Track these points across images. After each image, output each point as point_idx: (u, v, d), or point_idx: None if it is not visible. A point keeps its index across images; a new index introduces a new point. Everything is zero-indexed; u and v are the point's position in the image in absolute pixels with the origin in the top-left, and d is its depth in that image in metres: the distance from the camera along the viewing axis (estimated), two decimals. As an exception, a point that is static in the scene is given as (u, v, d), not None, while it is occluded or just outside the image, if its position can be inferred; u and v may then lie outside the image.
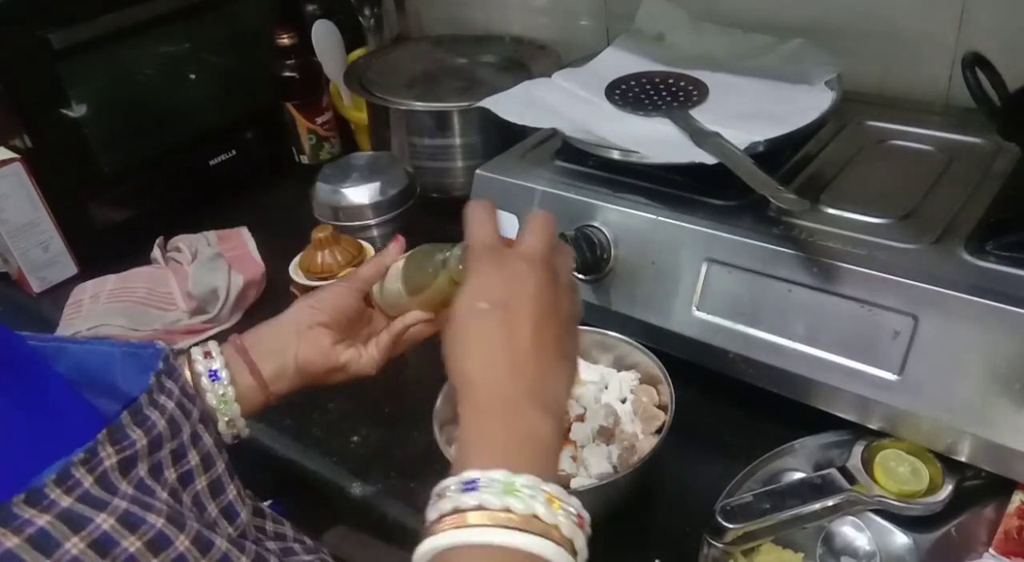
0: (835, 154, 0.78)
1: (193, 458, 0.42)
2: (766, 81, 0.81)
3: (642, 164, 0.74)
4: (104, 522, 0.35)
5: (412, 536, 0.69)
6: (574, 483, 0.62)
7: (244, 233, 1.05)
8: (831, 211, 0.69)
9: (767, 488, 0.61)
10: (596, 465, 0.63)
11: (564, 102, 0.83)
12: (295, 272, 0.83)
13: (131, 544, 0.35)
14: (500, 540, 0.37)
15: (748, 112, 0.77)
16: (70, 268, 1.02)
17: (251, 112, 1.16)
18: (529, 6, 1.17)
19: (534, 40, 1.14)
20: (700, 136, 0.72)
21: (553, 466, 0.42)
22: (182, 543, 0.37)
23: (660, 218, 0.71)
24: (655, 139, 0.74)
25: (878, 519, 0.60)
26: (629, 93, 0.83)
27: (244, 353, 0.59)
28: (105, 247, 1.03)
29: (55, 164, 0.97)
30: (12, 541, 0.32)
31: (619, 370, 0.71)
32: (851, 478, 0.60)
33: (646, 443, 0.64)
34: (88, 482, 0.35)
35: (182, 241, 1.01)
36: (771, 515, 0.58)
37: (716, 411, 0.71)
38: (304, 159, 1.16)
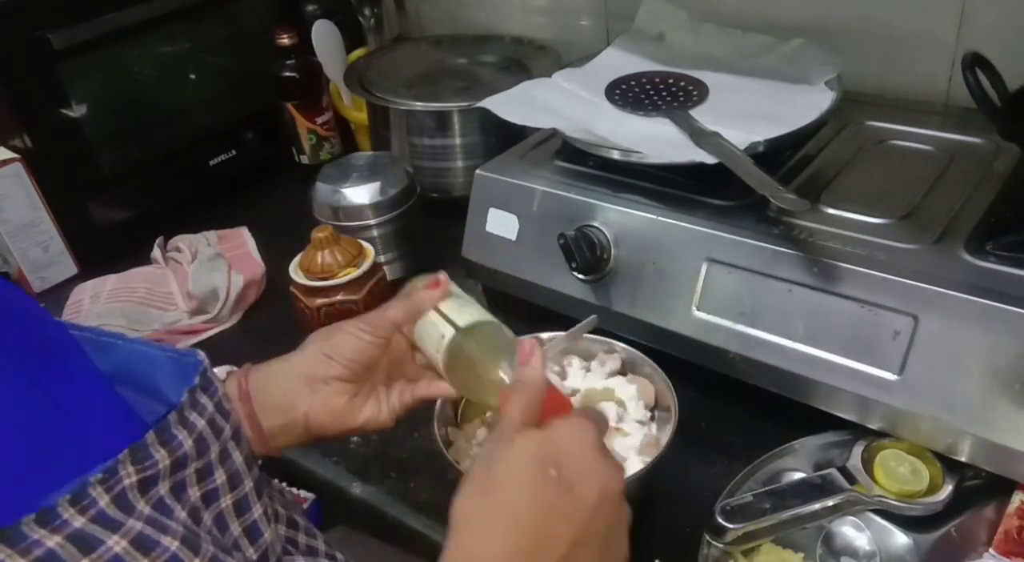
0: (835, 154, 0.78)
1: (220, 476, 0.41)
2: (766, 81, 0.81)
3: (642, 164, 0.74)
4: (116, 545, 0.33)
5: (412, 536, 0.69)
6: None
7: (244, 233, 1.05)
8: (831, 211, 0.69)
9: (767, 488, 0.61)
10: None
11: (564, 102, 0.83)
12: (295, 272, 0.83)
13: None
14: None
15: (748, 112, 0.77)
16: (70, 268, 1.02)
17: (251, 112, 1.16)
18: (529, 6, 1.17)
19: (534, 40, 1.14)
20: (700, 136, 0.72)
21: None
22: None
23: (660, 218, 0.71)
24: (655, 139, 0.74)
25: (878, 519, 0.60)
26: (629, 93, 0.83)
27: (247, 400, 0.55)
28: (105, 247, 1.03)
29: (55, 164, 0.98)
30: None
31: (620, 373, 0.71)
32: (851, 478, 0.60)
33: (646, 450, 0.64)
34: (104, 501, 0.34)
35: (182, 241, 1.01)
36: (771, 515, 0.58)
37: (716, 411, 0.72)
38: (304, 159, 1.16)
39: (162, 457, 0.37)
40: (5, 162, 0.93)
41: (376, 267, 0.84)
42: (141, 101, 1.06)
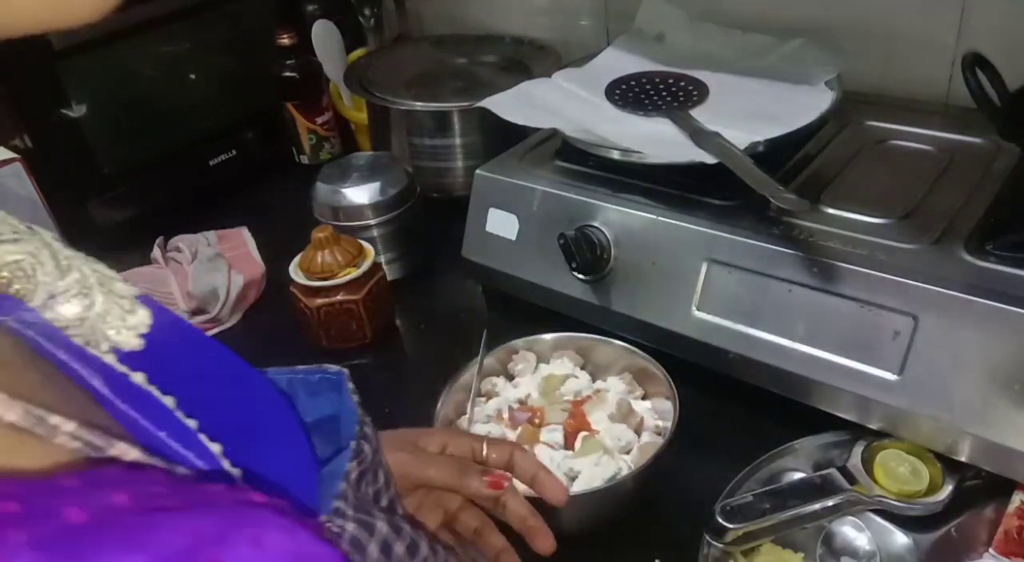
0: (835, 154, 0.78)
1: (381, 476, 0.42)
2: (766, 81, 0.82)
3: (642, 164, 0.74)
4: (382, 527, 0.36)
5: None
6: (579, 485, 0.62)
7: (244, 233, 1.05)
8: (831, 211, 0.69)
9: (767, 488, 0.61)
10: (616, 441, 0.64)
11: (564, 102, 0.83)
12: (295, 272, 0.83)
13: (397, 546, 0.36)
14: None
15: (748, 112, 0.77)
16: (70, 268, 1.02)
17: (251, 112, 1.16)
18: (529, 6, 1.17)
19: (534, 40, 1.14)
20: (700, 136, 0.72)
21: None
22: (399, 547, 0.37)
23: (660, 218, 0.71)
24: (655, 139, 0.74)
25: (878, 519, 0.60)
26: (629, 93, 0.83)
27: None
28: (105, 247, 1.03)
29: (55, 164, 0.97)
30: (344, 540, 0.33)
31: (635, 385, 0.71)
32: (851, 478, 0.60)
33: (649, 446, 0.64)
34: (350, 496, 0.36)
35: (182, 241, 1.01)
36: (771, 515, 0.58)
37: (716, 411, 0.71)
38: (304, 159, 1.16)
39: (367, 450, 0.39)
40: (5, 162, 0.93)
41: (376, 267, 0.84)
42: (141, 101, 1.06)
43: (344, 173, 0.91)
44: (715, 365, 0.69)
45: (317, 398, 0.41)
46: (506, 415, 0.68)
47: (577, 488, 0.61)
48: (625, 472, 0.62)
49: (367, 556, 0.34)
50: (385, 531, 0.36)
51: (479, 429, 0.67)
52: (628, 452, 0.65)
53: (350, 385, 0.42)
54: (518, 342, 0.73)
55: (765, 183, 0.64)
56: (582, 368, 0.72)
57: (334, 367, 0.42)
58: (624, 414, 0.66)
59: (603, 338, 0.72)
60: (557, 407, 0.68)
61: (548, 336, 0.73)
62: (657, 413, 0.68)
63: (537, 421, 0.67)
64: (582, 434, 0.65)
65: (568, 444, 0.65)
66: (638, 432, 0.66)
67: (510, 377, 0.72)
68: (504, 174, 0.81)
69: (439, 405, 0.67)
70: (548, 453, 0.64)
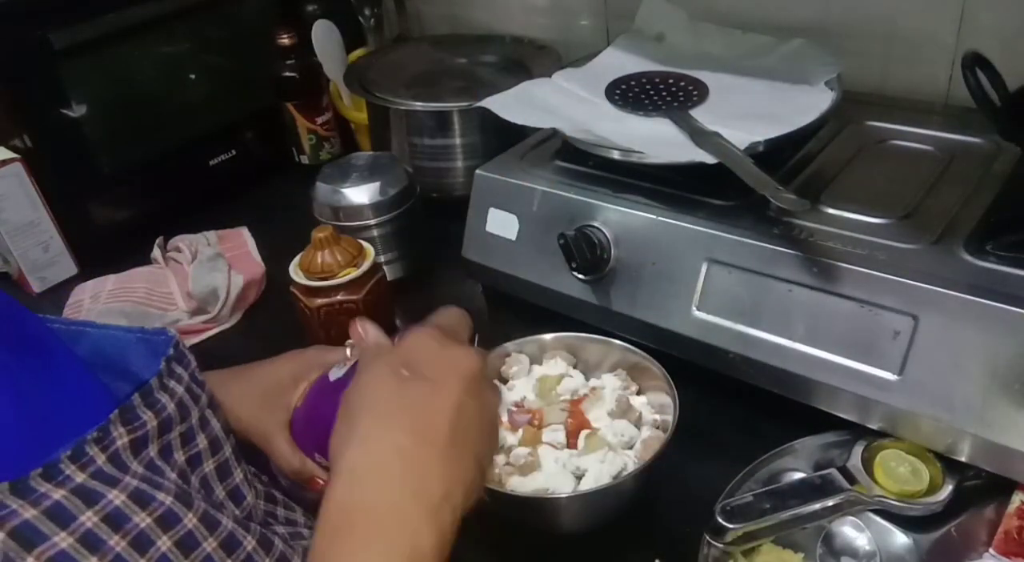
0: (835, 154, 0.78)
1: (201, 442, 0.43)
2: (766, 81, 0.81)
3: (642, 164, 0.73)
4: (116, 498, 0.36)
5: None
6: (587, 482, 0.62)
7: (244, 233, 1.05)
8: (831, 211, 0.69)
9: (767, 488, 0.61)
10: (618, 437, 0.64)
11: (564, 102, 0.83)
12: (295, 272, 0.82)
13: (142, 520, 0.37)
14: None
15: (748, 112, 0.77)
16: (70, 268, 1.02)
17: (251, 112, 1.16)
18: (529, 6, 1.17)
19: (534, 40, 1.14)
20: (700, 136, 0.72)
21: None
22: (190, 520, 0.39)
23: (660, 218, 0.71)
24: (655, 139, 0.74)
25: (878, 519, 0.60)
26: (629, 93, 0.83)
27: None
28: (105, 247, 1.03)
29: (55, 164, 0.98)
30: (30, 512, 0.34)
31: (630, 381, 0.71)
32: (851, 478, 0.60)
33: (652, 440, 0.65)
34: (101, 460, 0.37)
35: (182, 241, 1.01)
36: (771, 515, 0.58)
37: (716, 411, 0.71)
38: (304, 159, 1.16)
39: (149, 418, 0.40)
40: (5, 162, 0.93)
41: (376, 267, 0.84)
42: (141, 101, 1.06)
43: (344, 173, 0.91)
44: (715, 365, 0.69)
45: (157, 359, 0.42)
46: (505, 418, 0.68)
47: (586, 486, 0.61)
48: (631, 467, 0.62)
49: (70, 524, 0.34)
50: (118, 502, 0.36)
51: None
52: (630, 447, 0.65)
53: (171, 351, 0.43)
54: (509, 345, 0.72)
55: (765, 183, 0.64)
56: (574, 367, 0.72)
57: (169, 332, 0.44)
58: (623, 410, 0.66)
59: (593, 336, 0.72)
60: (555, 407, 0.68)
61: (539, 337, 0.73)
62: (654, 407, 0.68)
63: (537, 422, 0.67)
64: (584, 432, 0.65)
65: (570, 443, 0.65)
66: (637, 427, 0.66)
67: (504, 380, 0.72)
68: (504, 174, 0.81)
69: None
70: (553, 453, 0.64)
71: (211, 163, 1.13)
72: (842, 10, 0.90)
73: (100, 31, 0.96)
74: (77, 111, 0.98)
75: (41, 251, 0.99)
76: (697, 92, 0.81)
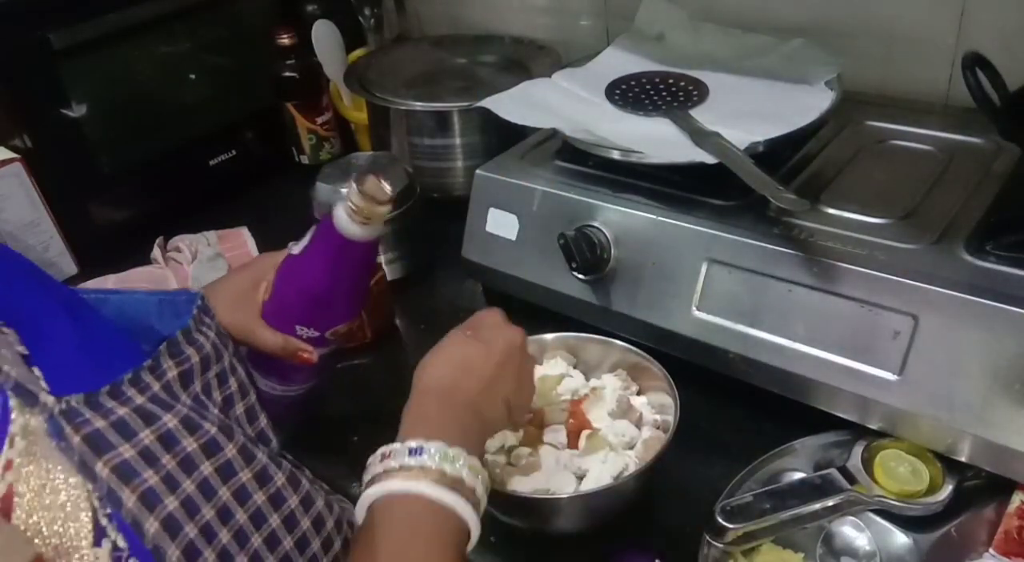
0: (835, 154, 0.78)
1: (233, 384, 0.48)
2: (766, 81, 0.82)
3: (642, 164, 0.74)
4: (169, 421, 0.41)
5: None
6: (588, 482, 0.62)
7: (244, 233, 1.05)
8: (831, 211, 0.69)
9: (767, 488, 0.61)
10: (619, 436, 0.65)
11: (564, 102, 0.83)
12: (295, 272, 0.82)
13: (189, 444, 0.41)
14: (432, 493, 0.45)
15: (748, 112, 0.77)
16: (70, 268, 1.02)
17: (251, 112, 1.16)
18: (529, 6, 1.17)
19: (534, 40, 1.14)
20: (700, 136, 0.72)
21: (477, 445, 0.51)
22: (230, 450, 0.43)
23: (660, 218, 0.71)
24: (655, 139, 0.74)
25: (878, 519, 0.60)
26: (629, 93, 0.83)
27: None
28: (105, 247, 1.03)
29: (55, 164, 0.98)
30: (100, 423, 0.38)
31: (630, 382, 0.71)
32: (851, 478, 0.60)
33: (653, 441, 0.65)
34: (156, 386, 0.42)
35: (182, 241, 1.01)
36: (771, 515, 0.58)
37: (716, 411, 0.71)
38: (304, 159, 1.16)
39: (192, 353, 0.45)
40: (5, 162, 0.93)
41: (376, 267, 0.84)
42: (141, 101, 1.06)
43: (344, 173, 0.90)
44: (715, 365, 0.69)
45: (182, 318, 0.47)
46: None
47: (587, 486, 0.61)
48: (632, 467, 0.62)
49: (132, 438, 0.39)
50: (171, 425, 0.41)
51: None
52: (631, 447, 0.65)
53: (199, 301, 0.48)
54: None
55: (765, 183, 0.64)
56: (574, 367, 0.72)
57: (192, 289, 0.50)
58: (624, 410, 0.67)
59: (593, 336, 0.72)
60: (556, 407, 0.68)
61: (539, 337, 0.73)
62: (654, 407, 0.68)
63: (538, 423, 0.67)
64: (585, 432, 0.65)
65: (571, 443, 0.65)
66: (638, 427, 0.66)
67: None
68: (504, 174, 0.81)
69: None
70: (554, 453, 0.64)
71: (211, 163, 1.13)
72: (842, 10, 0.90)
73: (100, 31, 0.96)
74: (77, 111, 0.98)
75: (41, 251, 0.99)
76: (697, 92, 0.81)
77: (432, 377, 0.53)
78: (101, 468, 0.37)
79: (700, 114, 0.77)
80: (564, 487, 0.61)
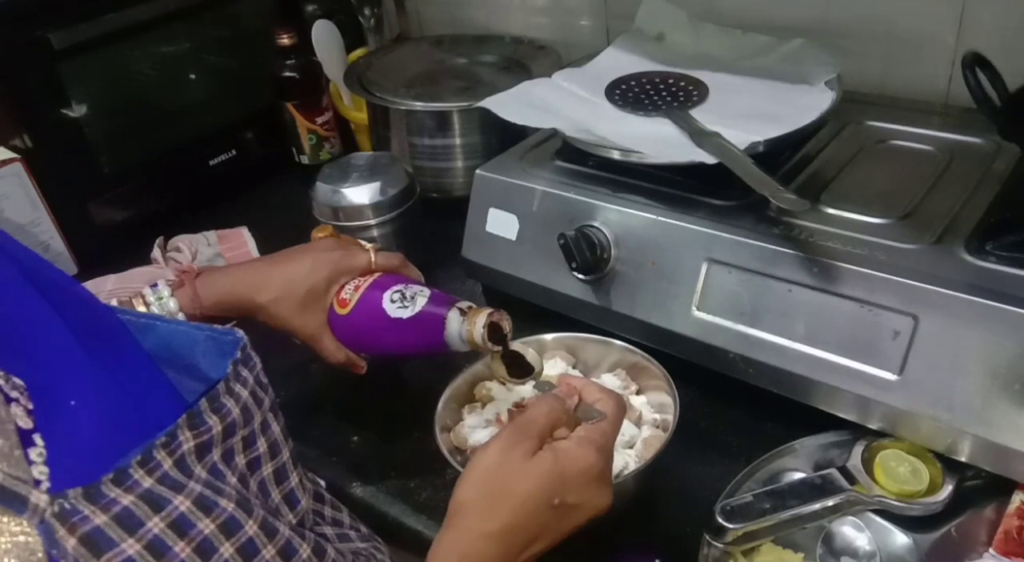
0: (835, 154, 0.78)
1: (262, 445, 0.44)
2: (766, 81, 0.81)
3: (642, 164, 0.74)
4: (181, 504, 0.37)
5: (412, 535, 0.69)
6: None
7: (244, 233, 1.05)
8: (831, 211, 0.69)
9: (767, 488, 0.61)
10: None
11: (564, 102, 0.83)
12: (295, 272, 0.82)
13: (206, 526, 0.37)
14: None
15: (748, 112, 0.77)
16: (70, 268, 1.02)
17: (251, 112, 1.16)
18: (529, 6, 1.17)
19: (534, 40, 1.14)
20: (700, 136, 0.72)
21: None
22: (251, 527, 0.39)
23: (660, 218, 0.71)
24: (655, 139, 0.74)
25: (878, 519, 0.60)
26: (629, 93, 0.83)
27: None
28: (105, 247, 1.03)
29: (55, 164, 0.97)
30: (101, 519, 0.34)
31: (629, 381, 0.71)
32: (851, 478, 0.60)
33: (653, 440, 0.65)
34: (167, 465, 0.37)
35: (182, 241, 1.01)
36: (771, 515, 0.58)
37: (716, 411, 0.72)
38: (304, 159, 1.16)
39: (215, 423, 0.40)
40: (5, 162, 0.93)
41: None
42: (141, 101, 1.06)
43: (344, 173, 0.91)
44: (715, 365, 0.69)
45: (224, 359, 0.43)
46: (504, 418, 0.68)
47: None
48: (632, 466, 0.62)
49: (138, 530, 0.35)
50: (183, 507, 0.37)
51: (480, 436, 0.67)
52: (631, 446, 0.65)
53: (239, 354, 0.44)
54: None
55: (765, 183, 0.64)
56: (573, 367, 0.72)
57: (238, 333, 0.44)
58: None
59: (592, 336, 0.72)
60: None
61: (539, 337, 0.73)
62: (653, 407, 0.68)
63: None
64: None
65: None
66: (637, 426, 0.66)
67: (503, 381, 0.72)
68: (504, 174, 0.81)
69: (440, 406, 0.67)
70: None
71: (211, 163, 1.13)
72: (842, 10, 0.90)
73: (100, 31, 0.96)
74: (77, 111, 0.98)
75: (41, 251, 0.99)
76: (697, 92, 0.81)
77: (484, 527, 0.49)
78: None
79: (700, 114, 0.77)
80: None
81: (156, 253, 1.00)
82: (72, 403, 0.35)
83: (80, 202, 1.01)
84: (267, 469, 0.44)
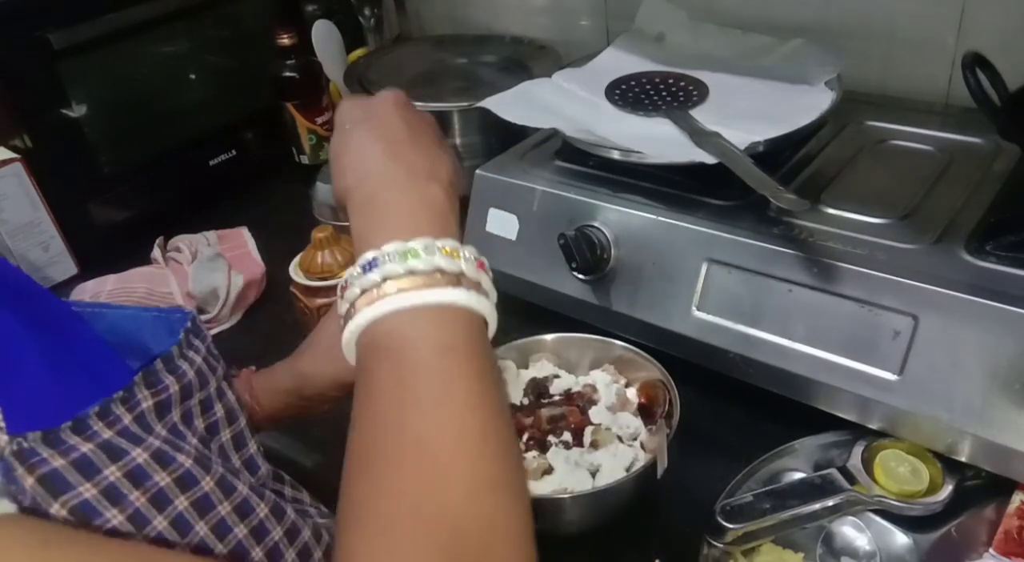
0: (835, 154, 0.78)
1: (219, 411, 0.45)
2: (766, 81, 0.81)
3: (642, 164, 0.74)
4: (139, 456, 0.38)
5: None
6: (603, 477, 0.62)
7: (244, 233, 1.05)
8: (831, 211, 0.69)
9: (767, 488, 0.61)
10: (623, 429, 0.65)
11: (564, 102, 0.83)
12: (295, 272, 0.83)
13: (162, 479, 0.38)
14: (413, 301, 0.39)
15: (748, 112, 0.76)
16: (70, 268, 1.02)
17: (251, 112, 1.16)
18: (529, 6, 1.17)
19: (534, 40, 1.14)
20: (700, 136, 0.72)
21: (451, 226, 0.45)
22: (207, 483, 0.40)
23: (660, 218, 0.71)
24: (655, 139, 0.74)
25: (878, 519, 0.60)
26: (629, 93, 0.83)
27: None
28: (105, 247, 1.03)
29: (55, 164, 0.98)
30: (59, 462, 0.35)
31: (618, 375, 0.71)
32: (851, 478, 0.60)
33: (654, 434, 0.65)
34: (127, 419, 0.38)
35: (182, 241, 1.01)
36: (771, 515, 0.58)
37: (716, 411, 0.72)
38: (304, 159, 1.16)
39: (171, 382, 0.41)
40: (5, 162, 0.93)
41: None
42: (141, 101, 1.06)
43: (344, 173, 0.90)
44: (715, 365, 0.69)
45: (174, 338, 0.45)
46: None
47: (602, 481, 0.61)
48: (642, 460, 0.62)
49: (95, 476, 0.36)
50: (141, 459, 0.38)
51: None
52: (634, 438, 0.65)
53: (188, 324, 0.45)
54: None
55: (765, 183, 0.64)
56: (558, 366, 0.73)
57: (186, 309, 0.46)
58: (622, 403, 0.67)
59: (573, 335, 0.72)
60: (554, 408, 0.68)
61: (519, 342, 0.73)
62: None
63: (539, 426, 0.67)
64: (588, 428, 0.65)
65: (576, 441, 0.65)
66: (636, 417, 0.67)
67: None
68: (504, 174, 0.81)
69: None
70: (563, 453, 0.64)
71: (211, 163, 1.13)
72: (842, 10, 0.90)
73: (100, 31, 0.96)
74: (77, 111, 0.98)
75: (41, 251, 0.99)
76: (697, 92, 0.81)
77: (351, 174, 0.47)
78: (57, 510, 0.35)
79: (700, 114, 0.77)
80: (582, 484, 0.61)
81: (156, 253, 1.00)
82: (25, 369, 0.37)
83: (80, 202, 1.01)
84: (225, 434, 0.45)
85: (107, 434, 0.37)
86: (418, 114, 0.51)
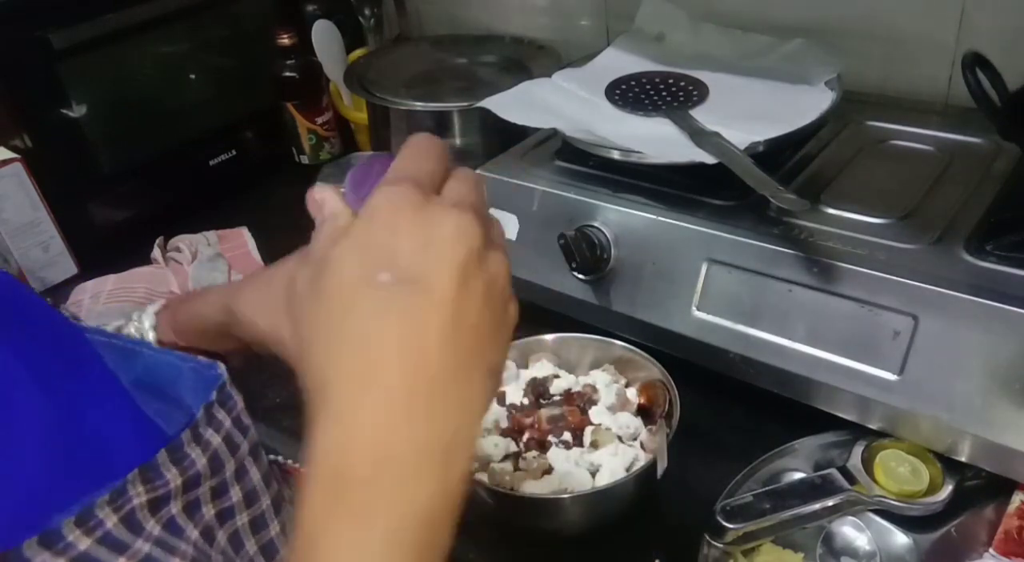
0: (835, 154, 0.78)
1: (236, 494, 0.39)
2: (766, 81, 0.81)
3: (642, 164, 0.73)
4: None
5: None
6: (603, 477, 0.62)
7: (244, 233, 1.05)
8: (831, 211, 0.69)
9: (767, 488, 0.61)
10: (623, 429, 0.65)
11: (564, 102, 0.83)
12: (295, 272, 0.82)
13: None
14: None
15: (748, 112, 0.76)
16: (70, 268, 1.02)
17: (251, 112, 1.16)
18: (529, 6, 1.17)
19: (534, 40, 1.14)
20: (700, 136, 0.72)
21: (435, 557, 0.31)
22: None
23: (660, 218, 0.71)
24: (655, 139, 0.74)
25: (878, 519, 0.60)
26: (629, 93, 0.83)
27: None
28: (105, 247, 1.03)
29: (55, 164, 0.97)
30: None
31: (618, 375, 0.71)
32: (851, 478, 0.60)
33: (658, 429, 0.65)
34: (111, 522, 0.32)
35: (182, 241, 1.01)
36: (771, 515, 0.58)
37: (716, 411, 0.71)
38: (304, 159, 1.16)
39: (173, 476, 0.35)
40: (5, 162, 0.93)
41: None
42: (141, 101, 1.06)
43: (344, 173, 0.90)
44: (715, 365, 0.69)
45: (209, 393, 0.39)
46: (504, 425, 0.68)
47: (602, 480, 0.61)
48: (642, 460, 0.62)
49: None
50: None
51: (482, 441, 0.67)
52: (634, 438, 0.65)
53: (214, 395, 0.38)
54: None
55: (765, 183, 0.64)
56: (558, 366, 0.73)
57: (219, 369, 0.39)
58: (622, 402, 0.67)
59: (573, 335, 0.72)
60: (554, 408, 0.68)
61: (519, 342, 0.73)
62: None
63: (539, 427, 0.67)
64: (588, 428, 0.65)
65: (576, 441, 0.65)
66: (636, 417, 0.67)
67: None
68: (504, 174, 0.81)
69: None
70: (563, 453, 0.64)
71: (211, 163, 1.13)
72: (842, 10, 0.90)
73: (100, 31, 0.96)
74: (77, 111, 0.98)
75: (41, 251, 0.99)
76: (697, 92, 0.81)
77: (348, 428, 0.30)
78: None
79: (700, 114, 0.77)
80: (582, 484, 0.61)
81: (156, 253, 1.00)
82: (14, 443, 0.31)
83: (80, 202, 1.01)
84: (242, 519, 0.39)
85: (84, 544, 0.31)
86: (488, 287, 0.34)
